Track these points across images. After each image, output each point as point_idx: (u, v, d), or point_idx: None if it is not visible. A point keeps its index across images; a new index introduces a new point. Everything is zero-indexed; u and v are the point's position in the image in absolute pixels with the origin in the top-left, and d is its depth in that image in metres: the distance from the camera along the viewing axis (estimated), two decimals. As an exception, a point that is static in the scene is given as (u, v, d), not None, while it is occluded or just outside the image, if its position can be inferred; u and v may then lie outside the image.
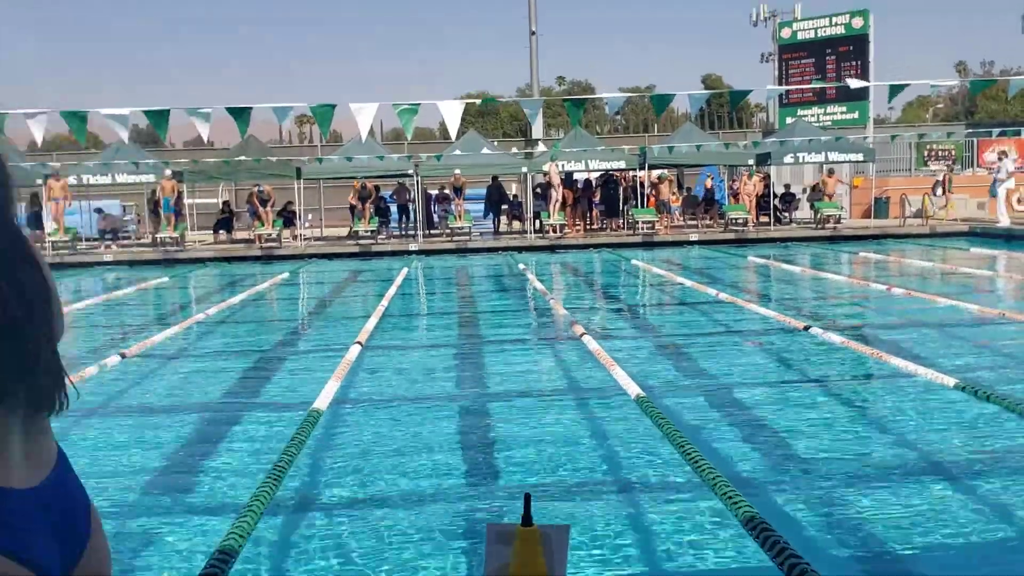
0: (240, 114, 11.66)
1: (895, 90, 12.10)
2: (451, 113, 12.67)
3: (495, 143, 27.37)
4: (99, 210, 24.20)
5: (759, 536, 3.04)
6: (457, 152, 22.27)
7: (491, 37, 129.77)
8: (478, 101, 13.84)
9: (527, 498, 1.81)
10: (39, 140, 11.64)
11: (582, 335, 8.12)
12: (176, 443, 5.58)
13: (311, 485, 4.69)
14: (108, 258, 20.40)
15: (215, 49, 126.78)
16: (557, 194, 21.90)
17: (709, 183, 26.67)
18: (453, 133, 13.63)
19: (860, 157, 23.43)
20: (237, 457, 5.23)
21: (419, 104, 12.28)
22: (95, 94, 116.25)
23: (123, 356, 7.95)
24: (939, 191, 23.00)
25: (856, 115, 27.27)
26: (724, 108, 43.34)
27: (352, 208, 22.90)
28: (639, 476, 4.69)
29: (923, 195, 23.01)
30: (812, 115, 27.67)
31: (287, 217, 23.18)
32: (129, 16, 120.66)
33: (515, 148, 28.83)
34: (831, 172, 23.81)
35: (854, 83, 13.66)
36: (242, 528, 3.19)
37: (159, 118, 11.66)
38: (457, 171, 21.95)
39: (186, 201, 23.42)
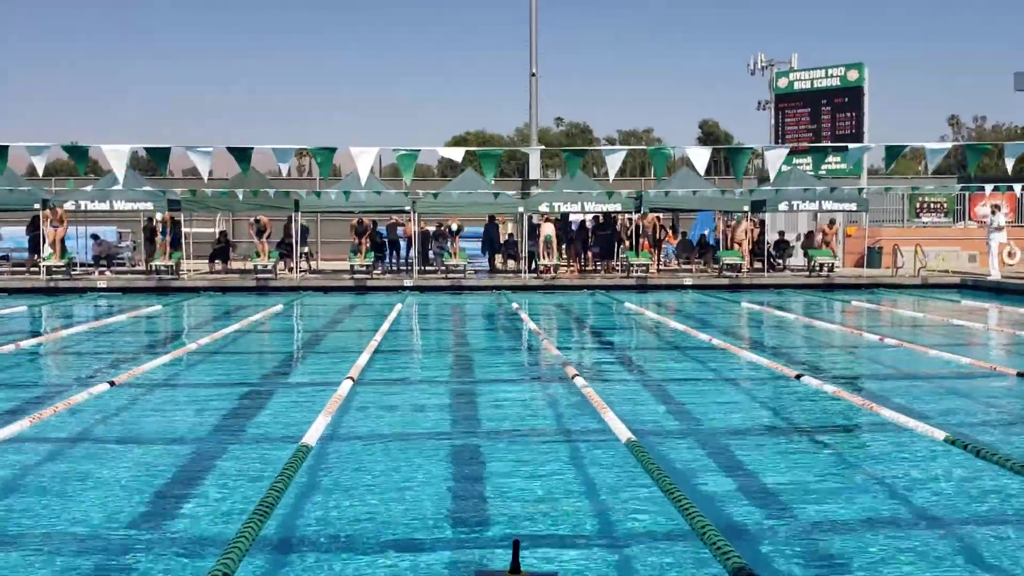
0: (241, 154, 11.71)
1: (892, 153, 12.19)
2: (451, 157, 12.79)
3: (492, 182, 27.50)
4: (95, 236, 24.20)
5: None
6: (455, 191, 22.41)
7: (491, 75, 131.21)
8: (478, 150, 13.90)
9: (515, 544, 1.81)
10: (40, 170, 11.67)
11: (574, 376, 8.11)
12: (161, 475, 5.53)
13: (297, 523, 4.64)
14: (102, 284, 20.35)
15: (215, 85, 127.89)
16: (551, 237, 22.21)
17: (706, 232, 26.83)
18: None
19: (854, 207, 23.64)
20: (223, 491, 5.18)
21: (419, 150, 12.35)
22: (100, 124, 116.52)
23: (112, 384, 7.91)
24: None
25: (850, 165, 27.55)
26: (721, 153, 43.72)
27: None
28: (628, 522, 4.67)
29: (915, 246, 23.17)
30: (807, 163, 27.95)
31: (283, 250, 23.22)
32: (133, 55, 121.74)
33: (512, 190, 28.99)
34: (832, 223, 24.03)
35: (853, 148, 13.87)
36: (226, 566, 3.16)
37: (160, 155, 11.71)
38: (454, 225, 22.63)
39: (183, 230, 23.43)
